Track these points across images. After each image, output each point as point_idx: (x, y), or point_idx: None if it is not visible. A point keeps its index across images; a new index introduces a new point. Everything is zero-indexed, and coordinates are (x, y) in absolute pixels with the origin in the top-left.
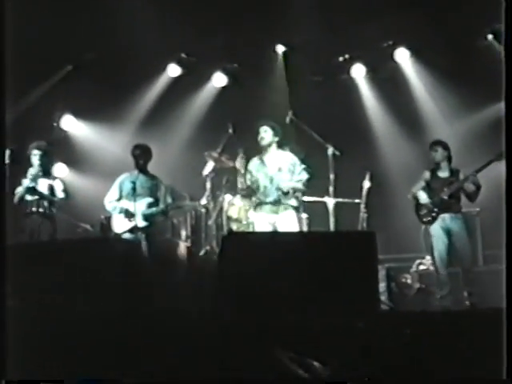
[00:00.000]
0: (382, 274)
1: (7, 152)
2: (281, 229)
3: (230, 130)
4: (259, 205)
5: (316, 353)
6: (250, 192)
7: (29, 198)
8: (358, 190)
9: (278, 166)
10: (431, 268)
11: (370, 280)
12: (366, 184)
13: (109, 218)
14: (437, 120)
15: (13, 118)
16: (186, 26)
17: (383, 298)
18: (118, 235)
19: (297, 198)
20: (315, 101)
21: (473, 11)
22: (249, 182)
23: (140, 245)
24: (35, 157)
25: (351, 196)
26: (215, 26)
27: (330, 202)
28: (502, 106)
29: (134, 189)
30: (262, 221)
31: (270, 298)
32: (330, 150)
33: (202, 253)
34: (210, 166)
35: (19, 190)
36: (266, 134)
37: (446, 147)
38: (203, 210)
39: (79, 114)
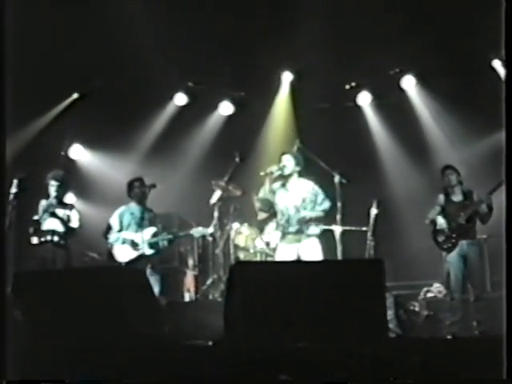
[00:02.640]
0: (389, 301)
1: (15, 181)
2: (304, 257)
3: (237, 159)
4: (283, 234)
5: (324, 380)
6: (268, 209)
7: (44, 227)
8: (365, 217)
9: (302, 197)
10: (439, 295)
11: (378, 307)
12: (373, 211)
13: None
14: (443, 147)
15: (20, 147)
16: (192, 55)
17: (391, 325)
18: (126, 264)
19: (318, 226)
20: (322, 129)
21: (479, 39)
22: (269, 197)
23: (145, 272)
24: (52, 187)
25: (358, 224)
26: (222, 54)
27: (338, 229)
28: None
29: (135, 220)
30: (286, 250)
31: (278, 325)
32: (337, 178)
33: (209, 281)
34: (217, 194)
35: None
36: (289, 163)
37: (456, 170)
38: (210, 239)
39: (87, 142)
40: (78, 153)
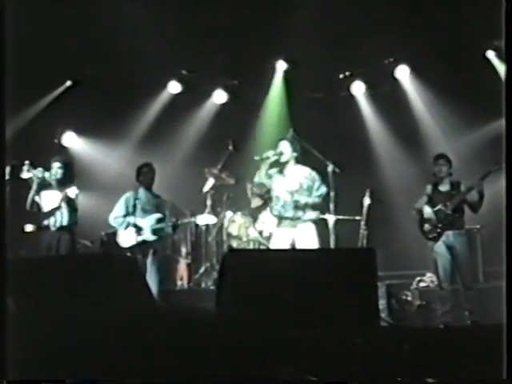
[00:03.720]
0: (382, 290)
1: (8, 168)
2: (299, 242)
3: (231, 147)
4: (279, 220)
5: (315, 369)
6: (263, 193)
7: (45, 209)
8: (358, 206)
9: (299, 182)
10: (431, 285)
11: (369, 297)
12: (367, 201)
13: (109, 235)
14: (436, 137)
15: (13, 135)
16: (186, 43)
17: (383, 314)
18: (124, 250)
19: (315, 211)
20: (315, 118)
21: (473, 28)
22: (265, 181)
23: (138, 260)
24: (53, 169)
25: (351, 213)
26: (216, 43)
27: (331, 219)
28: (501, 122)
29: (141, 205)
30: (282, 235)
31: (270, 314)
32: (330, 167)
33: (202, 269)
34: (210, 182)
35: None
36: (285, 149)
37: (449, 161)
38: (203, 227)
39: (80, 130)
40: (71, 140)
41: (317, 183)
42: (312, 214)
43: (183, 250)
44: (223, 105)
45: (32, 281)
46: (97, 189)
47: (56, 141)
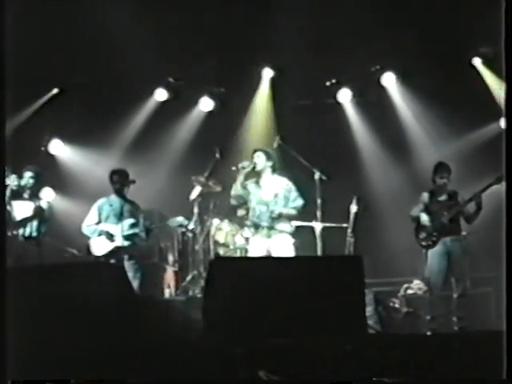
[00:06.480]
0: (369, 298)
1: None
2: (275, 253)
3: (217, 155)
4: (255, 229)
5: (303, 376)
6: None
7: (16, 219)
8: (345, 214)
9: (274, 192)
10: (419, 292)
11: (356, 304)
12: (353, 208)
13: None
14: (424, 144)
15: None
16: (173, 51)
17: (371, 322)
18: (98, 258)
19: (289, 223)
20: (302, 125)
21: (459, 36)
22: (241, 193)
23: (124, 268)
24: (25, 179)
25: (338, 220)
26: (203, 50)
27: (318, 226)
28: (488, 129)
29: (114, 212)
30: (257, 245)
31: (257, 321)
32: (317, 175)
33: (189, 277)
34: (197, 190)
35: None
36: (259, 160)
37: (450, 171)
38: (190, 235)
39: (66, 138)
40: (58, 148)
41: (293, 194)
42: (287, 226)
43: (170, 258)
44: (210, 112)
45: (22, 290)
46: (83, 197)
47: (43, 148)
